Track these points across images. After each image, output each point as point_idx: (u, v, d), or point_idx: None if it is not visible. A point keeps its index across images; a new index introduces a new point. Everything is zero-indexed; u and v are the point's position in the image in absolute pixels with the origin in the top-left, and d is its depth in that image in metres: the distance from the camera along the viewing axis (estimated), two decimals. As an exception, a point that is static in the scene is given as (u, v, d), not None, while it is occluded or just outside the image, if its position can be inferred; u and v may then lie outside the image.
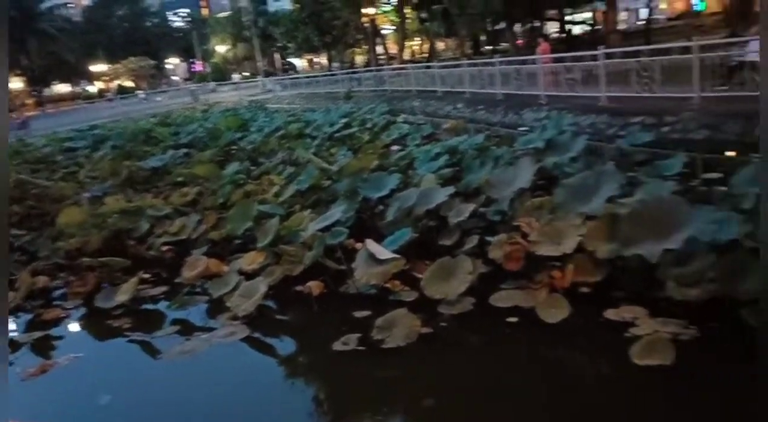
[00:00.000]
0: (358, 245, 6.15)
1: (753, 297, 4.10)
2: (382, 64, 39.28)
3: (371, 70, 29.40)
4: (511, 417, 3.79)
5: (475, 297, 5.23)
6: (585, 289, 4.98)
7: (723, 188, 6.01)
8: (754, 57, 10.30)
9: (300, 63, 67.82)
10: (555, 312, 4.75)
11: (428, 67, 23.11)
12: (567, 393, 3.99)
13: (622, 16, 44.21)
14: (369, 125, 13.97)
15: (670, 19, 45.32)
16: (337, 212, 6.34)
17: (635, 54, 12.84)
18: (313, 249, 6.01)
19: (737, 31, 17.23)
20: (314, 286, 5.90)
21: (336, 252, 6.23)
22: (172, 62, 73.93)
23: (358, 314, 5.33)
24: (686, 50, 10.69)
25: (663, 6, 49.66)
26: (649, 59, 11.80)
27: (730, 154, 9.10)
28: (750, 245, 4.61)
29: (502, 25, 39.57)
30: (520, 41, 38.10)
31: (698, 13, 41.23)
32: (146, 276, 7.04)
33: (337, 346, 4.87)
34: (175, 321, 5.99)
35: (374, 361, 4.63)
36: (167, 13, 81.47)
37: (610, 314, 4.62)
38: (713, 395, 3.69)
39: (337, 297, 5.80)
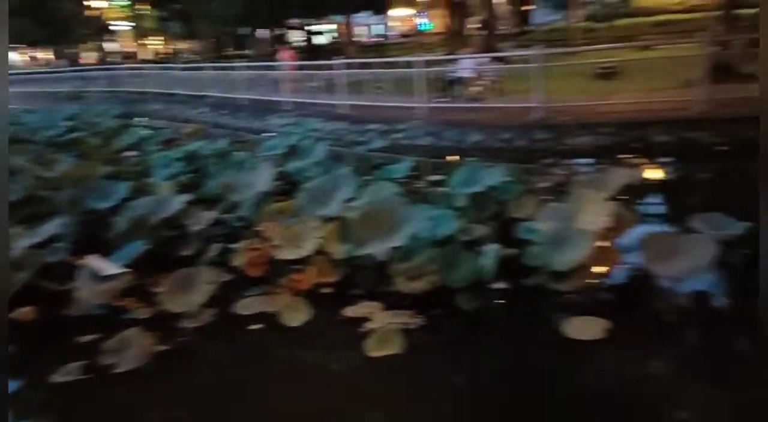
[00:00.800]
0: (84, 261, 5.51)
1: (464, 285, 4.68)
2: (116, 63, 36.22)
3: (105, 69, 26.99)
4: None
5: (218, 307, 5.04)
6: (326, 290, 5.15)
7: (442, 189, 6.75)
8: (464, 73, 11.86)
9: (17, 58, 59.03)
10: (297, 315, 4.81)
11: (170, 69, 22.03)
12: (307, 393, 4.05)
13: (359, 30, 47.46)
14: (100, 129, 12.73)
15: (403, 36, 49.93)
16: (53, 225, 5.59)
17: (370, 65, 13.85)
18: (24, 269, 5.21)
19: (454, 51, 19.63)
20: (27, 312, 5.11)
21: (56, 271, 5.51)
22: None
23: (84, 339, 4.74)
24: (413, 64, 11.80)
25: (396, 24, 54.53)
26: (381, 71, 12.81)
27: (451, 158, 10.31)
28: (462, 238, 5.24)
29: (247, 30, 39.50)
30: (267, 47, 38.43)
31: (425, 32, 46.13)
32: None
33: (57, 378, 4.28)
34: None
35: (102, 388, 4.16)
36: None
37: (349, 312, 4.82)
38: (412, 370, 4.05)
39: (59, 323, 5.08)
